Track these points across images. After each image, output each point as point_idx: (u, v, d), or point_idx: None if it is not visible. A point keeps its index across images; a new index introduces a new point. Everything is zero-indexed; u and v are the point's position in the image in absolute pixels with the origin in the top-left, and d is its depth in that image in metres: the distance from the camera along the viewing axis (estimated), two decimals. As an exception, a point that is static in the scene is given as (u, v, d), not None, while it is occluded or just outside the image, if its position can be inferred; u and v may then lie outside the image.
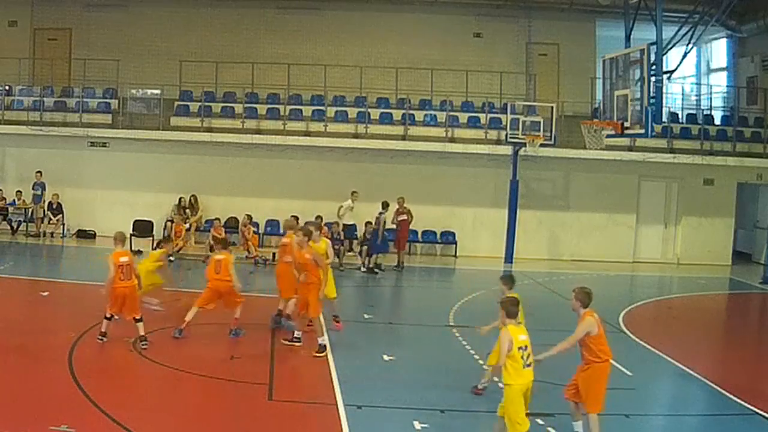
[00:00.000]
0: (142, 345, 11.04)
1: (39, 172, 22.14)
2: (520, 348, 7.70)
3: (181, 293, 14.56)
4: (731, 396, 10.36)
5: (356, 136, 22.67)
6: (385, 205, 20.31)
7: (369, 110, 23.06)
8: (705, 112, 24.82)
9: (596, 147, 17.82)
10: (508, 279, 9.73)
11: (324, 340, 11.28)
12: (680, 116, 24.74)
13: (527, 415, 7.81)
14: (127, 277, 11.13)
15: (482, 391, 9.86)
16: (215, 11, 24.78)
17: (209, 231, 20.64)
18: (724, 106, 26.05)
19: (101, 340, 11.20)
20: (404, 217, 20.57)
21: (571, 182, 23.51)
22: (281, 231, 21.73)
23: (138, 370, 10.26)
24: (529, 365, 7.74)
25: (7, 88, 23.42)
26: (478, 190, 22.97)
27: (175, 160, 22.91)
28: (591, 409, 8.29)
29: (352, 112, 23.19)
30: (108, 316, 11.21)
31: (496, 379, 9.20)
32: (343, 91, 23.62)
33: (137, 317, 11.22)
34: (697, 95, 26.96)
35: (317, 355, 11.09)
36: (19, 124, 22.50)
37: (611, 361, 8.39)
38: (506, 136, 21.85)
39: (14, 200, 22.56)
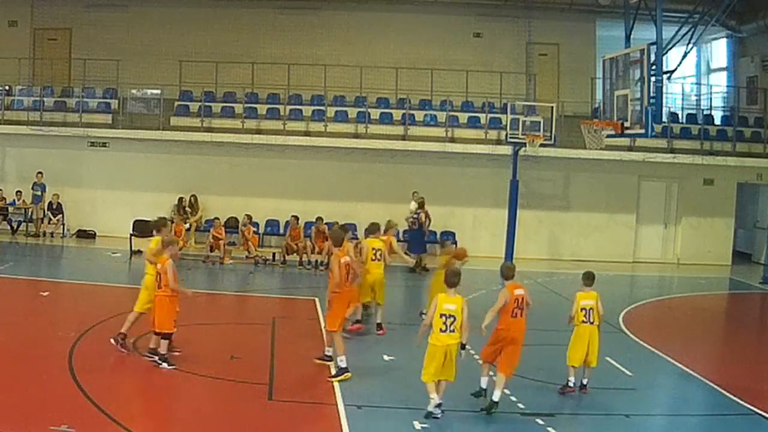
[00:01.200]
0: (156, 363, 10.26)
1: (40, 172, 22.14)
2: (442, 315, 8.67)
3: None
4: (731, 396, 10.36)
5: (356, 136, 22.67)
6: (422, 205, 20.30)
7: (369, 110, 23.06)
8: (705, 112, 24.81)
9: (596, 147, 17.79)
10: (586, 276, 10.24)
11: (342, 361, 10.27)
12: (680, 116, 24.74)
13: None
14: (159, 284, 10.28)
15: (573, 389, 10.07)
16: (215, 11, 24.78)
17: (209, 231, 20.66)
18: (724, 106, 26.05)
19: (150, 357, 10.35)
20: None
21: (571, 182, 23.51)
22: (281, 231, 21.84)
23: (138, 370, 10.25)
24: (452, 331, 8.66)
25: (7, 88, 23.40)
26: (478, 190, 22.97)
27: (175, 160, 22.90)
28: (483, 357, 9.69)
29: (352, 112, 23.19)
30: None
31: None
32: (343, 91, 23.62)
33: (164, 332, 10.30)
34: (697, 95, 26.96)
35: (331, 379, 10.21)
36: (19, 124, 22.48)
37: (510, 333, 9.35)
38: (506, 136, 21.82)
39: (14, 200, 22.56)
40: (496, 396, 9.24)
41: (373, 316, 13.25)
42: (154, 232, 11.41)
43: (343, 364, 10.24)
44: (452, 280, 8.92)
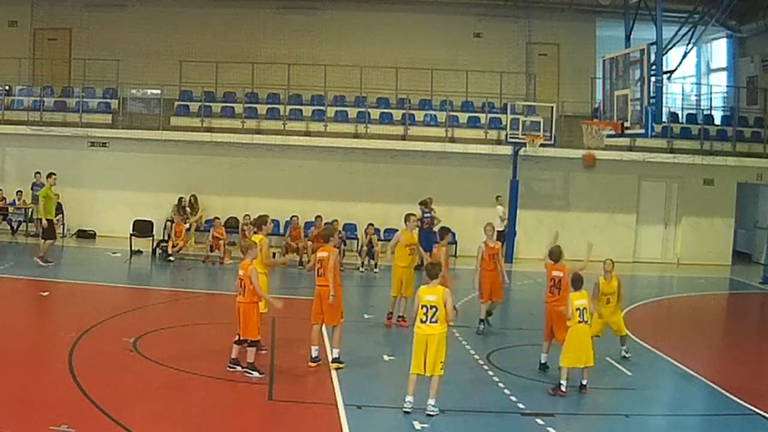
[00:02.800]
0: (247, 373, 10.08)
1: (38, 172, 22.07)
2: (423, 306, 8.97)
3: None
4: (731, 396, 10.36)
5: (356, 136, 22.68)
6: (427, 204, 20.28)
7: (369, 110, 23.06)
8: (705, 112, 24.83)
9: (596, 147, 17.80)
10: (574, 280, 10.43)
11: (336, 352, 10.73)
12: (680, 116, 24.74)
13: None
14: (241, 291, 10.03)
15: (565, 393, 10.00)
16: (215, 11, 24.77)
17: (209, 231, 20.67)
18: (724, 106, 26.05)
19: (232, 368, 10.20)
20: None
21: (571, 182, 23.51)
22: (281, 231, 21.83)
23: (138, 370, 10.24)
24: (435, 321, 8.92)
25: (7, 88, 23.40)
26: (478, 190, 22.94)
27: (175, 160, 22.90)
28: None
29: (352, 112, 23.20)
30: (235, 338, 10.23)
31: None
32: (343, 91, 23.62)
33: (251, 340, 10.11)
34: (697, 95, 26.96)
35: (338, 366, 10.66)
36: (19, 124, 22.49)
37: (550, 306, 10.97)
38: (506, 136, 21.86)
39: (14, 200, 22.56)
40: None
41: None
42: (255, 230, 11.42)
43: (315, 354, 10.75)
44: (432, 271, 9.21)
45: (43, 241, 17.79)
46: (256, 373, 10.06)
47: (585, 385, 10.11)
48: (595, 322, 11.46)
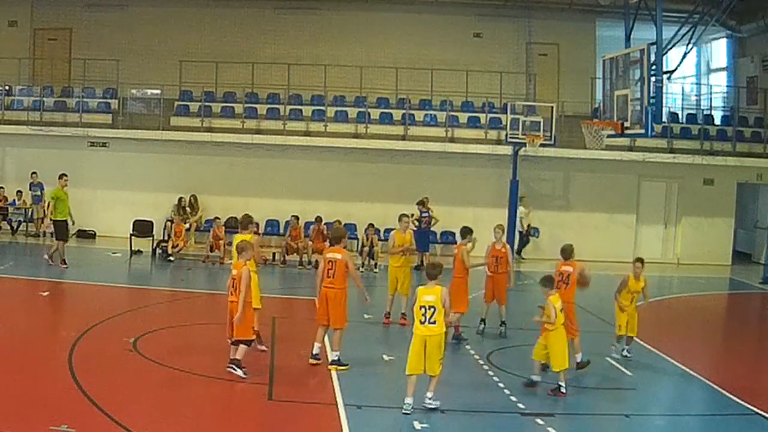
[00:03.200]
0: (235, 370, 9.98)
1: (35, 173, 22.04)
2: (422, 306, 8.97)
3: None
4: (731, 396, 10.36)
5: (356, 136, 22.68)
6: (423, 203, 20.27)
7: (369, 110, 23.07)
8: (705, 112, 24.82)
9: (596, 147, 17.80)
10: (547, 280, 10.61)
11: (336, 354, 10.70)
12: (680, 116, 24.74)
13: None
14: (233, 291, 9.95)
15: (564, 394, 9.97)
16: (215, 11, 24.77)
17: (209, 231, 20.66)
18: (724, 106, 26.05)
19: (233, 369, 10.03)
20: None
21: (571, 182, 23.51)
22: (281, 231, 21.84)
23: (138, 370, 10.25)
24: (433, 322, 8.94)
25: (7, 88, 23.40)
26: (478, 190, 22.96)
27: (175, 160, 22.91)
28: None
29: (352, 112, 23.20)
30: (229, 339, 10.14)
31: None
32: (343, 91, 23.62)
33: (243, 339, 10.04)
34: (697, 95, 26.96)
35: (338, 368, 10.59)
36: (19, 124, 22.49)
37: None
38: (506, 136, 21.86)
39: (14, 200, 22.57)
40: (578, 357, 10.86)
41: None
42: (240, 230, 11.45)
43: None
44: (431, 272, 9.26)
45: (56, 242, 17.69)
46: (240, 371, 9.95)
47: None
48: (621, 321, 11.91)
